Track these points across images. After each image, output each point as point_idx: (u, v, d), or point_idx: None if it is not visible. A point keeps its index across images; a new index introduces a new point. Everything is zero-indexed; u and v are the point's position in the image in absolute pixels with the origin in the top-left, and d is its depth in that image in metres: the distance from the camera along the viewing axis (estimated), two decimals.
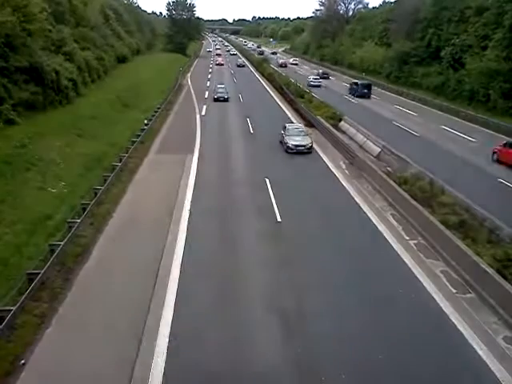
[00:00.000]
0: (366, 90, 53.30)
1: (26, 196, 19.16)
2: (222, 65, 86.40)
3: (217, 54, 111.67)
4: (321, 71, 75.69)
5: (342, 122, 36.82)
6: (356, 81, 58.41)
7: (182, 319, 12.24)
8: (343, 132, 34.68)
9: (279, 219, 18.59)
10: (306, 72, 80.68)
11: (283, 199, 20.54)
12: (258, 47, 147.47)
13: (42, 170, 22.13)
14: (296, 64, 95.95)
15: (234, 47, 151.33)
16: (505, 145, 28.43)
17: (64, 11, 45.95)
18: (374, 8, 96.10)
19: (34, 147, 23.76)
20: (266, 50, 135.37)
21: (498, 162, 28.15)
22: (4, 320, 11.22)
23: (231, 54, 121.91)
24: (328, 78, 72.17)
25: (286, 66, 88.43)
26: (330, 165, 26.32)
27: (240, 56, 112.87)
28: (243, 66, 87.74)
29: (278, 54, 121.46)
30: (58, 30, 39.99)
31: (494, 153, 28.79)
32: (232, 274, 14.54)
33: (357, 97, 52.84)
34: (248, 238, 17.24)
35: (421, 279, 14.44)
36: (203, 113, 40.99)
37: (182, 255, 15.64)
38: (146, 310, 12.60)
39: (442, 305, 13.12)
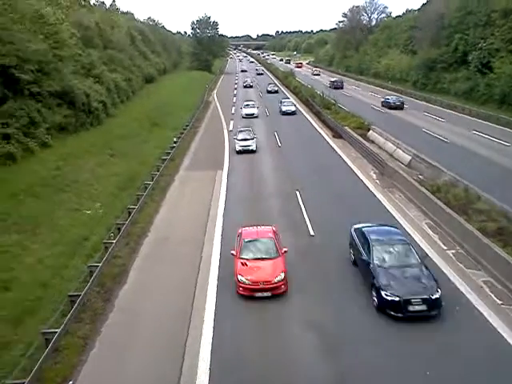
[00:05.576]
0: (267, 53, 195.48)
1: (62, 218, 19.58)
2: None
3: None
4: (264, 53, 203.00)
5: (371, 132, 36.46)
6: (269, 53, 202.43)
7: (223, 335, 12.26)
8: (372, 141, 34.34)
9: (312, 233, 18.59)
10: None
11: (314, 212, 20.46)
12: (261, 52, 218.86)
13: (77, 192, 22.64)
14: (268, 55, 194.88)
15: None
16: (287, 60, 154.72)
17: (92, 35, 47.30)
18: (397, 17, 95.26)
19: (68, 169, 24.38)
20: (263, 54, 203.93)
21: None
22: (50, 342, 11.41)
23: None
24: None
25: (259, 54, 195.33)
26: (360, 175, 26.05)
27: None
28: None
29: (266, 55, 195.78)
30: (87, 53, 41.04)
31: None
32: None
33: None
34: None
35: (463, 291, 14.04)
36: (230, 128, 41.18)
37: (218, 272, 15.70)
38: (186, 329, 12.66)
39: (488, 317, 12.69)
